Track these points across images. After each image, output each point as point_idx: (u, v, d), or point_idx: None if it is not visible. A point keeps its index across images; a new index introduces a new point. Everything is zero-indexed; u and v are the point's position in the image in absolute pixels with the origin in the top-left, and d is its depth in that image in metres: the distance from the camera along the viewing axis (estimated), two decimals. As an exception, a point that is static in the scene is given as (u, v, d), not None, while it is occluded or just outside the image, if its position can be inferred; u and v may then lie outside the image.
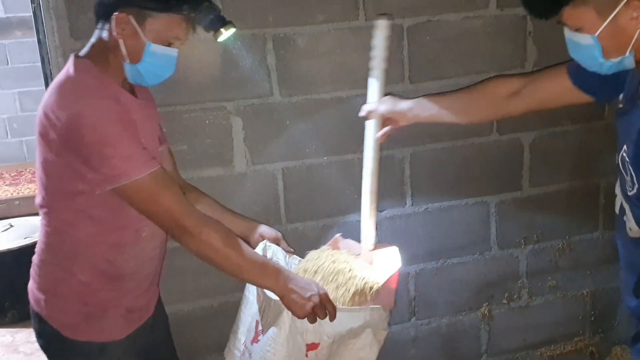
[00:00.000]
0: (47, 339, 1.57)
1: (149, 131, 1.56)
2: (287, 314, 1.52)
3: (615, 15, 1.20)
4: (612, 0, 1.19)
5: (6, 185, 4.47)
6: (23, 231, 3.57)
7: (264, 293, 1.58)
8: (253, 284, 1.60)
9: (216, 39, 1.69)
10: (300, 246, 2.17)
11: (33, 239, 3.42)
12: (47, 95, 1.43)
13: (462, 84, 2.20)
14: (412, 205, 2.27)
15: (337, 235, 1.88)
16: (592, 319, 2.60)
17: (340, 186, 2.18)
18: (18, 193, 4.25)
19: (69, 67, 1.45)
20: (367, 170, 1.85)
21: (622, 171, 1.34)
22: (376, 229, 1.88)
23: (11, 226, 3.64)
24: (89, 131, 1.35)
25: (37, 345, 1.62)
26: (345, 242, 1.88)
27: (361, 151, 2.15)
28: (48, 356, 1.62)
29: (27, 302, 3.55)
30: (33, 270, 1.57)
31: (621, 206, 1.43)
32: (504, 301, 2.47)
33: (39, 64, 2.30)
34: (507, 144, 2.32)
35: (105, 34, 1.47)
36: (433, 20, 2.14)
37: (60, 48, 1.86)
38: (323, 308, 1.50)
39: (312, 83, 2.08)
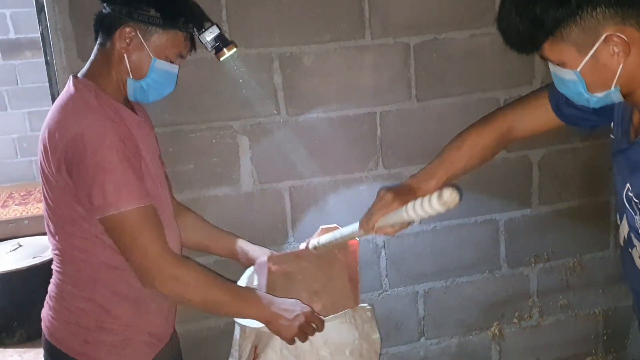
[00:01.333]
0: None
1: (150, 149, 1.55)
2: (277, 340, 1.51)
3: (594, 51, 1.17)
4: (591, 37, 1.17)
5: (15, 204, 4.48)
6: (32, 250, 3.57)
7: (249, 326, 1.57)
8: (237, 317, 1.57)
9: (218, 59, 1.71)
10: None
11: (42, 259, 3.43)
12: (49, 116, 1.41)
13: (469, 101, 2.20)
14: (420, 223, 2.26)
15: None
16: (605, 338, 2.56)
17: (347, 205, 2.17)
18: (27, 212, 4.26)
19: (69, 87, 1.44)
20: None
21: (629, 209, 1.31)
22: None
23: (20, 246, 3.65)
24: (89, 154, 1.32)
25: (45, 366, 1.59)
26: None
27: (369, 169, 2.16)
28: None
29: (35, 322, 3.52)
30: (50, 302, 1.53)
31: (628, 238, 1.39)
32: (515, 320, 2.44)
33: (48, 83, 2.32)
34: (515, 162, 2.30)
35: (107, 49, 1.46)
36: (440, 38, 2.14)
37: (67, 69, 1.87)
38: (310, 325, 1.49)
39: (319, 102, 2.08)
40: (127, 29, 1.42)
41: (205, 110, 2.00)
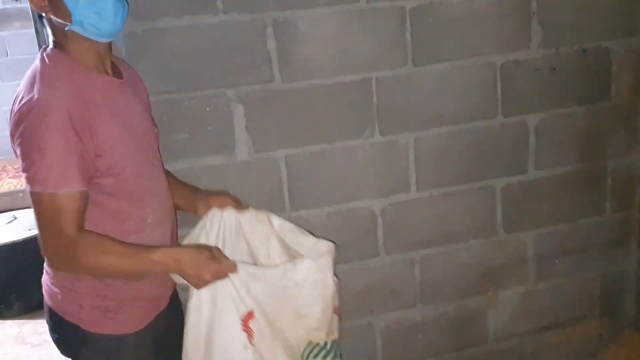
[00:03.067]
0: (64, 333, 1.55)
1: (133, 111, 1.53)
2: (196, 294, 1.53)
3: None
4: None
5: (9, 177, 4.47)
6: (27, 223, 3.57)
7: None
8: (147, 274, 1.54)
9: None
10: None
11: (36, 231, 3.43)
12: (18, 89, 1.40)
13: (465, 66, 2.18)
14: (417, 190, 2.25)
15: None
16: (600, 302, 2.59)
17: (344, 172, 2.16)
18: (21, 185, 4.25)
19: (36, 59, 1.42)
20: None
21: None
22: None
23: (15, 218, 3.65)
24: (29, 129, 1.32)
25: (44, 337, 1.61)
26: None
27: (365, 136, 2.14)
28: (64, 351, 1.59)
29: (33, 293, 3.55)
30: (46, 267, 1.55)
31: None
32: (511, 285, 2.45)
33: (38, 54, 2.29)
34: (512, 127, 2.29)
35: (47, 25, 1.43)
36: (436, 2, 2.10)
37: (57, 37, 1.84)
38: (222, 270, 1.49)
39: (314, 68, 2.05)
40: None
41: (198, 77, 1.97)
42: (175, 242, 1.69)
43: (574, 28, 2.27)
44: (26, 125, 1.33)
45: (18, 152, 1.36)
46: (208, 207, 1.73)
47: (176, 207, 1.72)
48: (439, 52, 2.15)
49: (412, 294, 2.35)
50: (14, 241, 3.36)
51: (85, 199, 1.39)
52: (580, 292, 2.55)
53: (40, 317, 3.39)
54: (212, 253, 1.50)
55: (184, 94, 1.97)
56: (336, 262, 1.68)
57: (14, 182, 4.34)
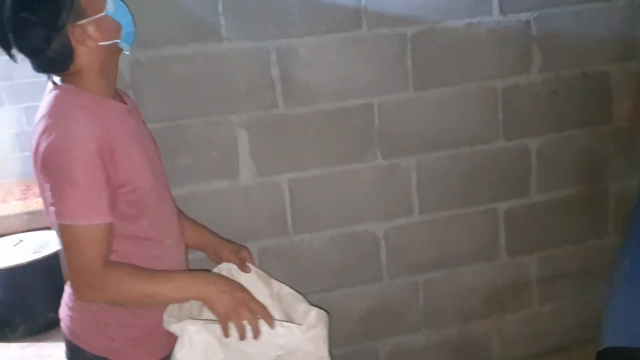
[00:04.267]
0: None
1: (143, 137, 1.54)
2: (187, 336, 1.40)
3: None
4: None
5: (15, 200, 4.49)
6: (33, 245, 3.58)
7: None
8: (174, 299, 1.48)
9: None
10: (308, 256, 2.18)
11: (42, 254, 3.44)
12: (36, 124, 1.39)
13: (466, 90, 2.20)
14: (419, 213, 2.26)
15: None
16: (605, 324, 2.57)
17: (346, 196, 2.18)
18: (27, 208, 4.28)
19: (50, 94, 1.41)
20: None
21: None
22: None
23: (21, 241, 3.66)
24: (57, 163, 1.32)
25: (48, 360, 1.58)
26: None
27: (367, 160, 2.16)
28: None
29: (38, 316, 3.54)
30: (68, 301, 1.52)
31: None
32: (515, 308, 2.45)
33: (44, 78, 2.31)
34: (513, 150, 2.30)
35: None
36: (436, 28, 2.13)
37: (64, 65, 1.87)
38: (249, 307, 1.40)
39: (316, 94, 2.08)
40: (75, 30, 1.35)
41: (203, 104, 2.00)
42: (187, 259, 1.68)
43: (574, 52, 2.29)
44: (54, 159, 1.32)
45: (46, 186, 1.35)
46: (218, 257, 1.72)
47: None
48: (440, 76, 2.17)
49: (416, 318, 2.35)
50: (19, 264, 3.37)
51: (111, 230, 1.39)
52: (584, 314, 2.53)
53: (44, 340, 3.40)
54: (243, 290, 1.45)
55: (189, 120, 2.00)
56: (330, 332, 1.56)
57: (19, 204, 4.36)
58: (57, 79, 1.45)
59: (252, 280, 1.66)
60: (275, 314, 1.53)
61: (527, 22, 2.21)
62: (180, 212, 1.75)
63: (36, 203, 4.32)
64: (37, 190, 4.95)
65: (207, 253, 1.76)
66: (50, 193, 1.35)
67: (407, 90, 2.16)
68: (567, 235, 2.44)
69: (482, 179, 2.30)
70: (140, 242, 1.48)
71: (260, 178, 2.09)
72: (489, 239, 2.36)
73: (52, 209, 1.35)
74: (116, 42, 1.42)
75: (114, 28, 1.41)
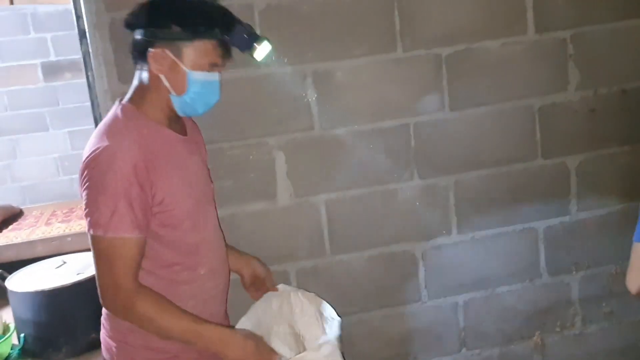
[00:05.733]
0: None
1: (194, 166, 1.58)
2: None
3: None
4: None
5: (59, 222, 4.59)
6: (76, 267, 3.64)
7: None
8: (189, 344, 1.51)
9: (253, 57, 1.62)
10: (346, 277, 2.18)
11: (85, 275, 3.50)
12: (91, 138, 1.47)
13: (503, 109, 2.20)
14: (458, 233, 2.25)
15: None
16: (651, 346, 2.51)
17: (384, 216, 2.18)
18: (70, 230, 4.36)
19: (110, 112, 1.50)
20: None
21: None
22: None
23: (64, 262, 3.73)
24: (96, 174, 1.38)
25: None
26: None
27: (404, 180, 2.16)
28: None
29: (81, 337, 3.59)
30: (103, 319, 1.58)
31: None
32: (557, 329, 2.40)
33: (88, 103, 2.39)
34: (552, 169, 2.28)
35: (145, 74, 1.49)
36: (471, 48, 2.14)
37: (109, 91, 1.94)
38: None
39: (353, 115, 2.10)
40: (157, 51, 1.44)
41: (241, 127, 2.04)
42: (226, 294, 1.69)
43: (611, 69, 2.27)
44: (93, 170, 1.38)
45: (84, 196, 1.41)
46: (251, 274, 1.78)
47: None
48: (476, 96, 2.18)
49: (456, 339, 2.33)
50: (63, 285, 3.44)
51: (142, 247, 1.43)
52: (629, 336, 2.47)
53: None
54: (258, 346, 1.48)
55: (228, 142, 2.04)
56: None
57: (63, 226, 4.46)
58: (127, 96, 1.53)
59: (302, 305, 1.73)
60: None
61: (564, 40, 2.21)
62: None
63: (79, 225, 4.41)
64: (80, 212, 5.09)
65: (244, 277, 1.79)
66: (85, 203, 1.41)
67: (442, 110, 2.16)
68: (609, 254, 2.39)
69: (520, 198, 2.28)
70: (170, 265, 1.51)
71: (297, 199, 2.11)
72: (529, 259, 2.33)
73: (86, 219, 1.41)
74: (174, 94, 1.49)
75: (181, 86, 1.48)
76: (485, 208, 2.25)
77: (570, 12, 2.19)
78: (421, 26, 2.09)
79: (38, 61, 4.96)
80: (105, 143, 1.40)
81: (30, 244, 4.25)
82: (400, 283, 2.24)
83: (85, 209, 1.41)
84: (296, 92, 2.05)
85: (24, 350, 3.38)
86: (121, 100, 1.53)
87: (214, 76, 1.51)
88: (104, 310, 1.57)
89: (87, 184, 1.40)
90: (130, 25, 1.50)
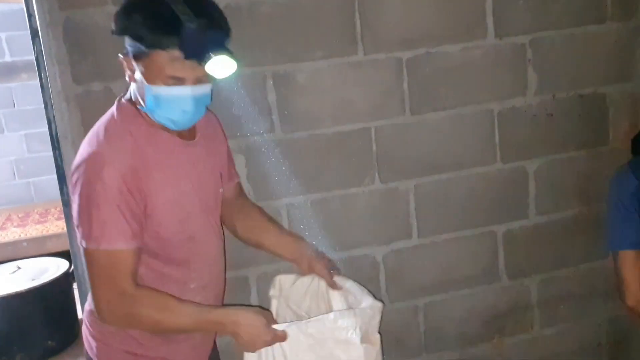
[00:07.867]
0: None
1: (194, 174, 1.50)
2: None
3: None
4: None
5: (14, 226, 4.48)
6: (31, 273, 3.56)
7: None
8: (202, 332, 1.54)
9: (206, 70, 1.37)
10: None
11: (40, 281, 3.42)
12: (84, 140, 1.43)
13: (463, 113, 2.21)
14: (418, 237, 2.25)
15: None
16: (608, 347, 2.55)
17: (344, 220, 2.18)
18: (26, 234, 4.26)
19: (108, 111, 1.44)
20: None
21: None
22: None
23: (19, 268, 3.64)
24: (85, 184, 1.33)
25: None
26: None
27: (365, 184, 2.16)
28: None
29: (36, 345, 3.50)
30: (85, 316, 1.55)
31: None
32: (516, 332, 2.43)
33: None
34: (511, 172, 2.30)
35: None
36: (432, 52, 2.15)
37: (62, 93, 1.88)
38: (274, 339, 1.44)
39: (313, 118, 2.09)
40: (124, 58, 1.37)
41: (200, 130, 2.00)
42: (219, 303, 1.65)
43: (569, 74, 2.30)
44: (82, 178, 1.33)
45: (74, 202, 1.36)
46: (308, 266, 1.72)
47: (270, 252, 1.76)
48: (436, 100, 2.19)
49: (417, 343, 2.33)
50: (17, 292, 3.35)
51: (138, 255, 1.39)
52: (587, 337, 2.52)
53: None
54: (268, 320, 1.46)
55: (186, 145, 2.00)
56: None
57: (18, 231, 4.35)
58: (129, 92, 1.45)
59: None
60: None
61: (523, 45, 2.23)
62: (275, 221, 1.80)
63: (35, 229, 4.31)
64: (36, 217, 4.96)
65: (300, 266, 1.74)
66: (76, 213, 1.36)
67: (403, 114, 2.17)
68: (567, 257, 2.43)
69: (480, 202, 2.29)
70: (159, 277, 1.47)
71: (258, 202, 2.08)
72: (488, 262, 2.35)
73: (77, 231, 1.36)
74: (141, 105, 1.42)
75: (143, 98, 1.39)
76: (445, 212, 2.26)
77: (529, 17, 2.22)
78: (382, 29, 2.09)
79: (-7, 61, 4.84)
80: (95, 148, 1.35)
81: (-16, 249, 4.13)
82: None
83: (76, 219, 1.36)
84: (256, 95, 2.02)
85: (-26, 360, 3.28)
86: (122, 97, 1.46)
87: (179, 90, 1.34)
88: (86, 307, 1.54)
89: (77, 190, 1.35)
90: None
